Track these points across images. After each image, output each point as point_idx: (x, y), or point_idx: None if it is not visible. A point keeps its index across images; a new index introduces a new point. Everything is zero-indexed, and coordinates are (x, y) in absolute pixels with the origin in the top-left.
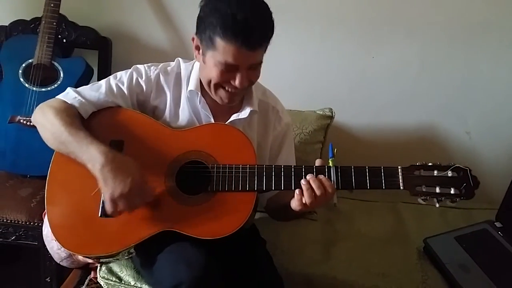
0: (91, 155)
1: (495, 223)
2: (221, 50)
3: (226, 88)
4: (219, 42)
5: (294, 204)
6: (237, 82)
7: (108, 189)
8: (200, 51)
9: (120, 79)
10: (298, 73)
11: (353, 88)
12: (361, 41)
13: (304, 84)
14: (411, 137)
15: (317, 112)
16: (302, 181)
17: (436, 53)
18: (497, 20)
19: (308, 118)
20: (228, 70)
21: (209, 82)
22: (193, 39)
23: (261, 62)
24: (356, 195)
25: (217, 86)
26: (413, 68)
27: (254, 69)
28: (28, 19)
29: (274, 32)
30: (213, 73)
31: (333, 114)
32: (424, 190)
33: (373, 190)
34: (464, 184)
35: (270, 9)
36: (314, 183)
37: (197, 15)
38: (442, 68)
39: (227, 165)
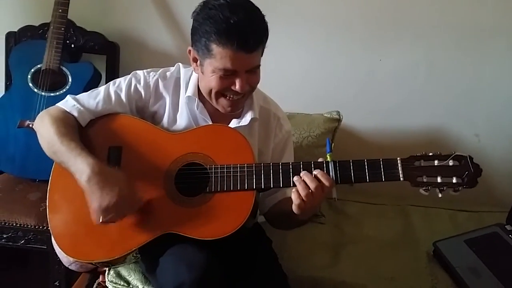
0: (78, 167)
1: (506, 226)
2: (218, 57)
3: (227, 96)
4: (216, 48)
5: (294, 204)
6: (237, 87)
7: (95, 200)
8: (198, 62)
9: (119, 86)
10: (305, 76)
11: (360, 91)
12: (368, 44)
13: (311, 87)
14: (419, 140)
15: (325, 115)
16: (295, 178)
17: (443, 56)
18: (503, 23)
19: (316, 121)
20: (227, 76)
21: (210, 92)
22: (189, 51)
23: (259, 65)
24: (364, 198)
25: (218, 94)
26: (420, 71)
27: (253, 73)
28: (37, 24)
29: (282, 35)
30: (212, 82)
31: (341, 117)
32: (425, 180)
33: (380, 192)
34: (466, 172)
35: (263, 13)
36: (307, 177)
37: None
38: (449, 70)
39: (225, 165)
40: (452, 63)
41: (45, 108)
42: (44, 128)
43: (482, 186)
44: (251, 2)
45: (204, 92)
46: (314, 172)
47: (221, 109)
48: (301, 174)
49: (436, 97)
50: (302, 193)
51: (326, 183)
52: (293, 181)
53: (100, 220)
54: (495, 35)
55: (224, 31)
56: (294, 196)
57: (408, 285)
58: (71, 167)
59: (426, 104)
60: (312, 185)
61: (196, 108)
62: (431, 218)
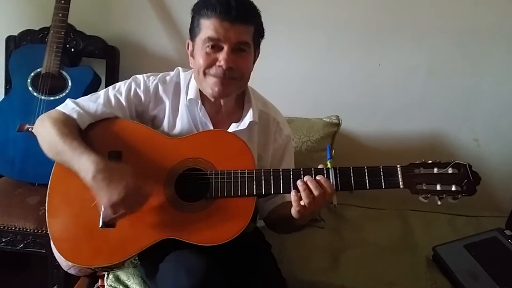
0: (83, 165)
1: (505, 231)
2: (204, 28)
3: (215, 73)
4: (203, 22)
5: (293, 209)
6: (222, 61)
7: (104, 197)
8: (193, 50)
9: (119, 90)
10: (304, 80)
11: (360, 95)
12: (368, 48)
13: (310, 91)
14: (419, 145)
15: (324, 119)
16: (298, 182)
17: (443, 60)
18: (503, 27)
19: (315, 126)
20: (213, 49)
21: (199, 72)
22: (187, 44)
23: (246, 43)
24: (364, 202)
25: (206, 74)
26: (420, 75)
27: (239, 55)
28: (37, 29)
29: (282, 39)
30: (200, 59)
31: (340, 121)
32: (424, 188)
33: (379, 197)
34: (465, 181)
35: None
36: (312, 183)
37: None
38: (449, 75)
39: (226, 171)
40: (452, 68)
41: (44, 112)
42: (45, 129)
43: (481, 191)
44: None
45: (195, 76)
46: (317, 178)
47: (210, 90)
48: (305, 179)
49: (435, 102)
50: (305, 200)
51: (328, 190)
52: (295, 186)
53: (111, 218)
54: (495, 39)
55: (210, 3)
56: (294, 203)
57: None
58: (74, 166)
59: (426, 109)
60: (316, 192)
61: (198, 110)
62: (430, 222)
